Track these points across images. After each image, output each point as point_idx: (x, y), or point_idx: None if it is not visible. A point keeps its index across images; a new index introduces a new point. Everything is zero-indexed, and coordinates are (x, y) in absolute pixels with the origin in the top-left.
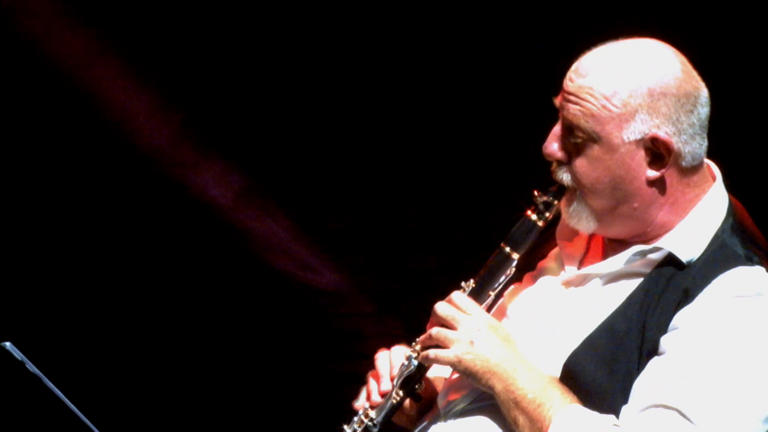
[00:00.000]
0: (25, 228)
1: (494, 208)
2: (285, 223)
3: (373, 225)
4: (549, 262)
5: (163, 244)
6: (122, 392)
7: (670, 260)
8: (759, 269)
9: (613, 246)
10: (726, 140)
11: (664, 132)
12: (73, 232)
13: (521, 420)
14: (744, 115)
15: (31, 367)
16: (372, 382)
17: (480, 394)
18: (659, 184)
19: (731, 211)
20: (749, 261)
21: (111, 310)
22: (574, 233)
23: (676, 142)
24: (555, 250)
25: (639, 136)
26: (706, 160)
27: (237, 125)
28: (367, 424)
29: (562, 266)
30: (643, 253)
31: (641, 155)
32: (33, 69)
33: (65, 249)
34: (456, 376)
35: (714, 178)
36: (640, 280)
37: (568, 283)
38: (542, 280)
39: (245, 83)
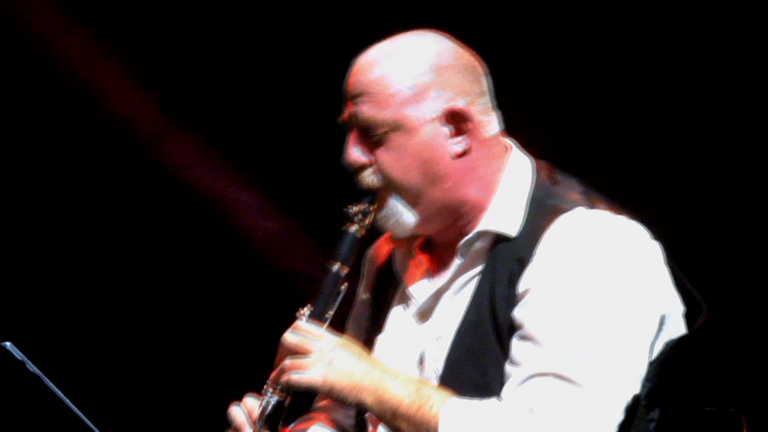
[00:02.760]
0: (25, 228)
1: None
2: (285, 223)
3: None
4: (396, 302)
5: (163, 245)
6: (122, 392)
7: (499, 240)
8: (577, 211)
9: (445, 256)
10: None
11: (459, 103)
12: (73, 232)
13: (405, 427)
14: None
15: (31, 367)
16: None
17: None
18: (466, 159)
19: (536, 170)
20: (566, 208)
21: (111, 309)
22: (408, 261)
23: (472, 112)
24: (399, 292)
25: (437, 113)
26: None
27: (239, 125)
28: None
29: (409, 301)
30: (470, 243)
31: (443, 132)
32: (33, 69)
33: (65, 249)
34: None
35: (509, 147)
36: (480, 270)
37: (422, 315)
38: (397, 321)
39: (247, 83)
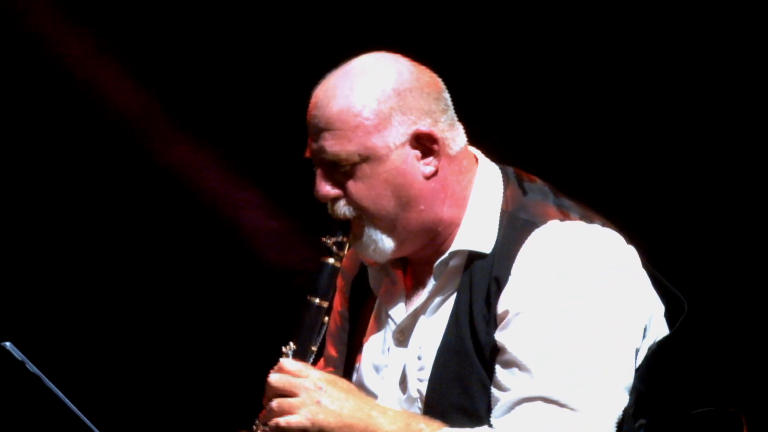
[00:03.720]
0: (25, 228)
1: None
2: (285, 223)
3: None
4: (373, 320)
5: (163, 245)
6: (122, 392)
7: (473, 257)
8: (550, 225)
9: (420, 274)
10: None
11: (423, 125)
12: (73, 232)
13: None
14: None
15: (31, 367)
16: None
17: None
18: (436, 179)
19: (505, 180)
20: (539, 222)
21: (111, 309)
22: (382, 278)
23: (437, 131)
24: (375, 310)
25: (403, 138)
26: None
27: (240, 125)
28: None
29: (387, 319)
30: (446, 263)
31: (412, 155)
32: (33, 69)
33: (65, 249)
34: None
35: (477, 159)
36: (456, 288)
37: (400, 334)
38: (376, 340)
39: (248, 83)
